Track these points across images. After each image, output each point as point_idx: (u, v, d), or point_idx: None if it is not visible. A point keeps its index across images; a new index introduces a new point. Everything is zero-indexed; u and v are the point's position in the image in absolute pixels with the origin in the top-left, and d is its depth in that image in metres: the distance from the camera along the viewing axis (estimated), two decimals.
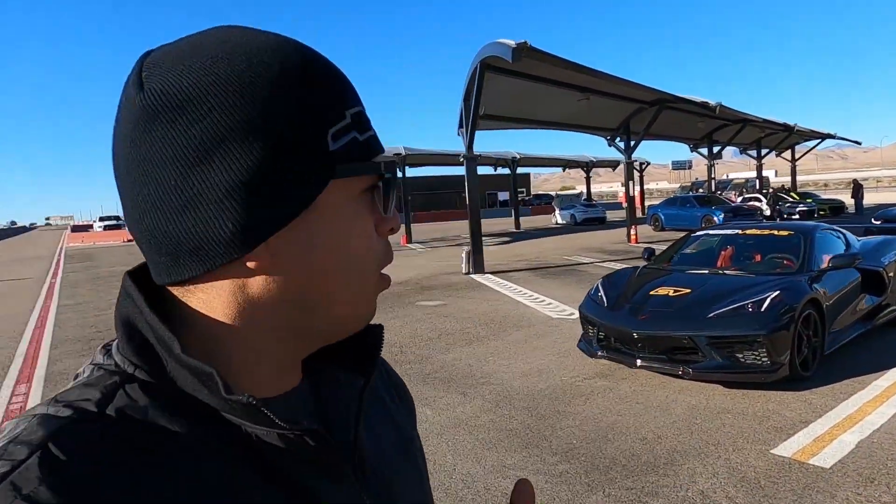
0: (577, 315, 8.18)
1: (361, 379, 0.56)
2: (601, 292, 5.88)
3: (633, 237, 19.35)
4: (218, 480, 0.43)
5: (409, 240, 24.25)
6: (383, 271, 0.54)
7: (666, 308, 5.21)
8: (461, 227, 34.38)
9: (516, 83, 13.20)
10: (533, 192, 72.24)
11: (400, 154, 23.99)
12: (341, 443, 0.51)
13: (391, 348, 6.85)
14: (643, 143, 19.76)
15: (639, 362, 5.06)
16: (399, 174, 25.07)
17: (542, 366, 5.85)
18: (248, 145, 0.43)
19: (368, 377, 0.57)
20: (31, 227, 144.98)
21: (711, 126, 23.23)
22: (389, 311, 9.03)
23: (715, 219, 21.04)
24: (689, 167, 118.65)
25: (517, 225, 30.64)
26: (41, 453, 0.39)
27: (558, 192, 69.10)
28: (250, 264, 0.46)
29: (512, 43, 8.71)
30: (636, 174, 28.16)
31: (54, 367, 6.88)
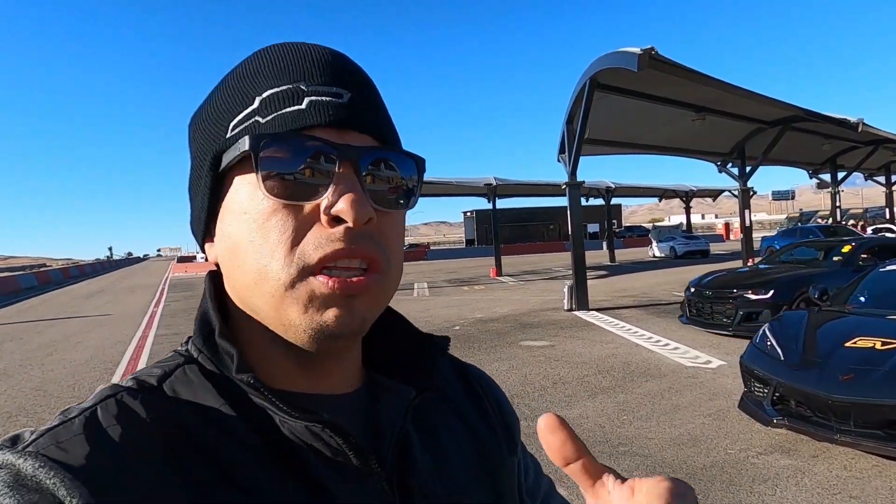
0: (715, 364, 6.97)
1: (413, 391, 0.54)
2: (771, 340, 4.70)
3: None
4: (235, 467, 0.44)
5: (499, 272, 23.36)
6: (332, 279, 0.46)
7: (877, 366, 3.96)
8: (550, 260, 33.17)
9: (624, 103, 12.16)
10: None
11: (490, 184, 23.32)
12: (366, 447, 0.49)
13: None
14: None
15: (839, 436, 3.84)
16: (489, 205, 24.47)
17: (695, 431, 4.71)
18: (191, 148, 0.55)
19: (420, 390, 0.55)
20: (145, 258, 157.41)
21: (837, 148, 20.88)
22: (491, 352, 8.13)
23: None
24: (792, 197, 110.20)
25: (612, 258, 28.98)
26: (89, 413, 0.44)
27: (655, 224, 66.05)
28: (208, 246, 0.54)
29: (637, 50, 7.75)
30: (734, 203, 25.86)
31: None
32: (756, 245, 21.69)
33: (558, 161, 13.19)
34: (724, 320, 8.34)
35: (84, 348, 10.73)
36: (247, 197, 0.47)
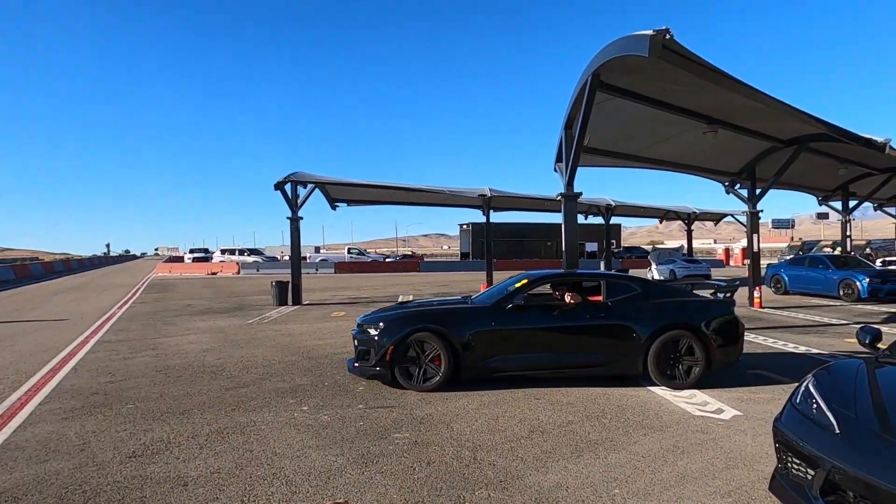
0: (728, 415, 5.70)
1: None
2: (819, 404, 3.47)
3: (756, 301, 16.30)
4: None
5: (489, 286, 22.10)
6: None
7: None
8: None
9: (629, 109, 11.03)
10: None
11: (485, 196, 22.15)
12: None
13: (460, 449, 4.70)
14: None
15: None
16: (483, 218, 23.30)
17: None
18: None
19: None
20: (141, 256, 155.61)
21: (852, 174, 19.80)
22: (456, 385, 6.85)
23: (857, 284, 17.51)
24: (792, 226, 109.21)
25: None
26: None
27: (655, 245, 65.06)
28: None
29: (648, 32, 6.63)
30: (732, 229, 24.74)
31: (21, 434, 5.25)
32: (761, 273, 20.51)
33: (555, 170, 12.03)
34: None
35: (7, 354, 9.46)
36: None
